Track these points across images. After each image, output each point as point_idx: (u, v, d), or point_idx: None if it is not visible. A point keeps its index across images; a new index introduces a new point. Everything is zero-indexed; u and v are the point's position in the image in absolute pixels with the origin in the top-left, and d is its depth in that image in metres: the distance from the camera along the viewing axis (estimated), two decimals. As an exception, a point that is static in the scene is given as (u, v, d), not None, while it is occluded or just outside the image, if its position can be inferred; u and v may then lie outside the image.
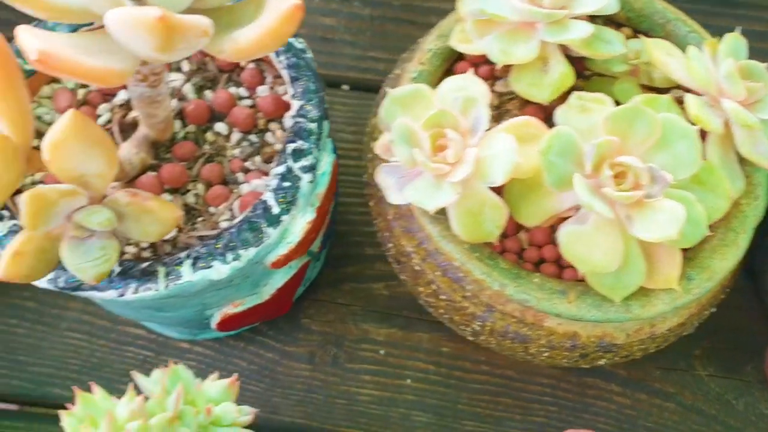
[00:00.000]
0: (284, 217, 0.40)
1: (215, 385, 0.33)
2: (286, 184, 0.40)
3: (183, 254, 0.39)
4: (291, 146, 0.41)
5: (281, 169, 0.40)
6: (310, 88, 0.42)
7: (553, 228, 0.41)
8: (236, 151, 0.43)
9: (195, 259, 0.39)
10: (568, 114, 0.37)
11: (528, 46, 0.38)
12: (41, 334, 0.54)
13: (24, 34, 0.28)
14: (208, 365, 0.54)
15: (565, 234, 0.37)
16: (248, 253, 0.39)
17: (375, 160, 0.43)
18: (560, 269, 0.41)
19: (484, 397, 0.53)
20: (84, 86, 0.44)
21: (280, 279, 0.45)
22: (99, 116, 0.44)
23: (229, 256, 0.39)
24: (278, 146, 0.43)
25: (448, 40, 0.42)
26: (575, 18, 0.38)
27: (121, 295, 0.39)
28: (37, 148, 0.34)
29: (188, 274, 0.39)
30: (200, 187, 0.43)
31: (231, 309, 0.45)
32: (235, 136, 0.44)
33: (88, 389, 0.52)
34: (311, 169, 0.41)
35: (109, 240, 0.36)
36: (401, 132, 0.35)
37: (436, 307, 0.43)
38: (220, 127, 0.44)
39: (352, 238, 0.57)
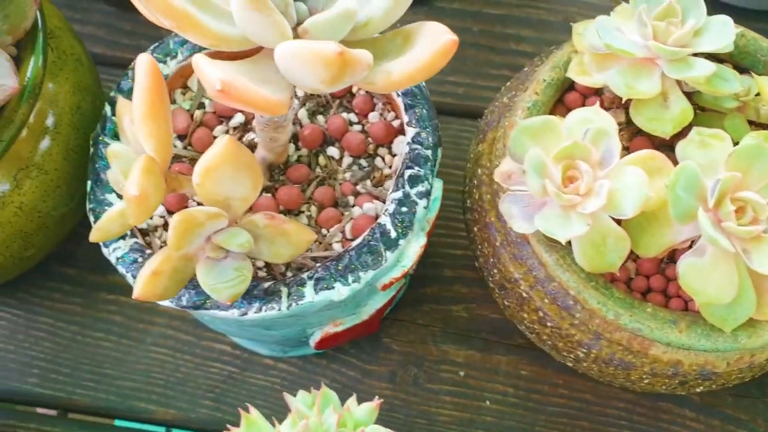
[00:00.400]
0: (401, 242, 0.41)
1: (361, 408, 0.33)
2: (404, 209, 0.41)
3: (305, 275, 0.40)
4: (408, 172, 0.42)
5: (399, 194, 0.41)
6: (425, 116, 0.43)
7: (660, 258, 0.42)
8: (347, 175, 0.44)
9: (317, 280, 0.40)
10: (688, 148, 0.38)
11: (651, 82, 0.39)
12: (127, 349, 0.55)
13: (205, 63, 0.29)
14: (291, 382, 0.54)
15: (683, 266, 0.38)
16: (367, 276, 0.40)
17: (481, 187, 0.44)
18: (667, 299, 0.42)
19: (561, 420, 0.54)
20: (200, 107, 0.45)
21: (379, 300, 0.46)
22: (215, 138, 0.44)
23: (350, 277, 0.40)
24: (387, 171, 0.44)
25: (561, 71, 0.43)
26: (693, 55, 0.39)
27: (244, 314, 0.39)
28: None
29: (310, 295, 0.39)
30: (313, 209, 0.43)
31: (332, 328, 0.46)
32: (346, 160, 0.44)
33: (170, 403, 0.53)
34: (426, 194, 0.42)
35: (243, 261, 0.37)
36: (534, 163, 0.36)
37: (539, 333, 0.44)
38: (333, 151, 0.45)
39: (431, 259, 0.57)
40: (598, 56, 0.41)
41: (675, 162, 0.39)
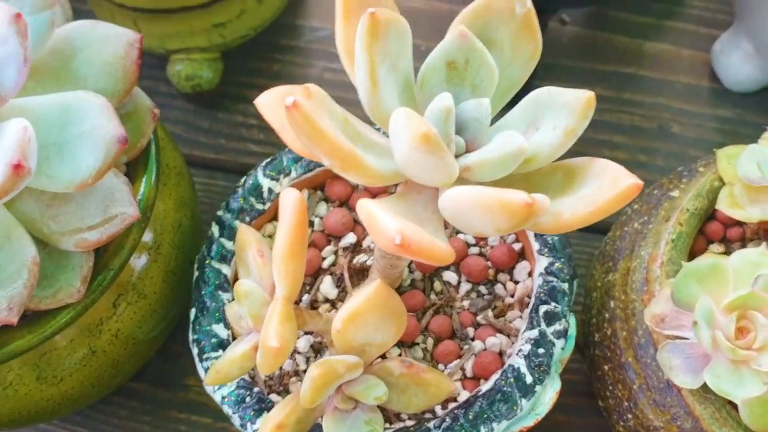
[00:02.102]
0: (537, 387, 0.37)
1: None
2: (540, 350, 0.37)
3: (431, 424, 0.36)
4: (543, 308, 0.38)
5: (534, 333, 0.38)
6: (558, 244, 0.40)
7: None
8: (465, 303, 0.41)
9: (445, 430, 0.36)
10: None
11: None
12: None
13: (381, 213, 0.26)
14: None
15: None
16: (500, 426, 0.36)
17: (615, 322, 0.41)
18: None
19: None
20: (309, 226, 0.42)
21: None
22: (324, 258, 0.41)
23: (482, 428, 0.36)
24: (509, 299, 0.41)
25: (704, 200, 0.40)
26: None
27: None
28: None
29: None
30: (429, 342, 0.40)
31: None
32: (464, 286, 0.41)
33: None
34: (563, 334, 0.38)
35: (374, 413, 0.33)
36: (705, 314, 0.33)
37: (678, 487, 0.40)
38: (449, 276, 0.41)
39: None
40: (752, 189, 0.38)
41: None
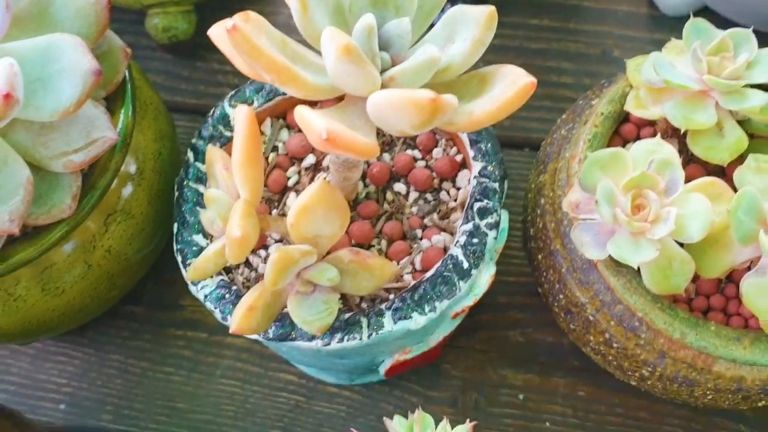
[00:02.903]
0: (473, 271, 0.43)
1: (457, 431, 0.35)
2: (474, 240, 0.43)
3: (383, 306, 0.42)
4: (477, 205, 0.44)
5: (469, 226, 0.43)
6: (490, 150, 0.45)
7: (720, 279, 0.44)
8: (414, 209, 0.46)
9: (395, 310, 0.42)
10: (746, 174, 0.40)
11: (707, 113, 0.41)
12: (197, 383, 0.57)
13: (309, 114, 0.31)
14: (356, 409, 0.56)
15: (746, 286, 0.40)
16: (442, 305, 0.42)
17: (545, 216, 0.46)
18: (727, 317, 0.44)
19: (620, 439, 0.55)
20: (274, 150, 0.48)
21: (447, 328, 0.48)
22: (288, 178, 0.47)
23: (426, 307, 0.42)
24: (452, 204, 0.46)
25: (617, 104, 0.45)
26: (746, 86, 0.41)
27: (327, 345, 0.41)
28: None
29: (389, 325, 0.41)
30: (383, 243, 0.46)
31: (401, 356, 0.48)
32: (413, 195, 0.47)
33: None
34: (495, 225, 0.44)
35: (330, 294, 0.39)
36: (605, 193, 0.38)
37: (605, 354, 0.46)
38: (399, 187, 0.47)
39: (486, 286, 0.59)
40: (654, 90, 0.43)
41: (731, 187, 0.41)
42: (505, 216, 0.45)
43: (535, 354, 0.57)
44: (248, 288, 0.45)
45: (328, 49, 0.33)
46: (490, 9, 0.36)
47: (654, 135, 0.46)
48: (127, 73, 0.42)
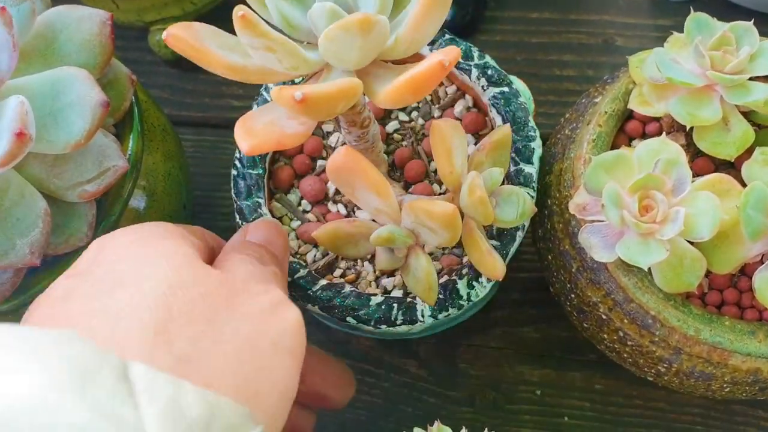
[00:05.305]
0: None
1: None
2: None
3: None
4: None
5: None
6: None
7: (732, 273, 0.44)
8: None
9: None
10: (753, 168, 0.40)
11: (712, 109, 0.41)
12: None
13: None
14: (376, 414, 0.57)
15: (759, 280, 0.40)
16: None
17: (552, 216, 0.47)
18: (741, 310, 0.44)
19: (639, 430, 0.56)
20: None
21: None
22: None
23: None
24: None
25: (620, 102, 0.45)
26: (750, 79, 0.41)
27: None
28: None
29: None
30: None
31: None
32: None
33: None
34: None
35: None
36: (611, 196, 0.38)
37: (620, 352, 0.46)
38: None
39: (500, 283, 0.60)
40: (657, 87, 0.43)
41: (740, 181, 0.41)
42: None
43: (551, 349, 0.58)
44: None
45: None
46: None
47: (660, 131, 0.47)
48: (133, 98, 0.42)
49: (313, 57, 0.36)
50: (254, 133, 0.36)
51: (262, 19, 0.35)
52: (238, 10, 0.34)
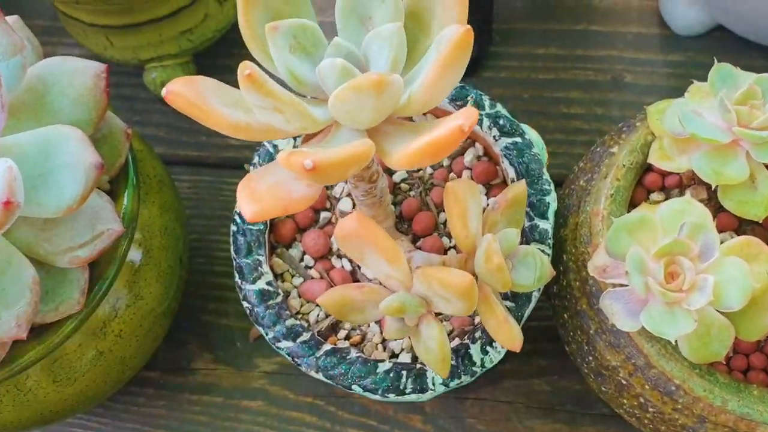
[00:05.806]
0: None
1: None
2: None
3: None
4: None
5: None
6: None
7: (758, 337, 0.42)
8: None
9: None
10: (782, 230, 0.38)
11: (738, 166, 0.39)
12: (216, 448, 0.55)
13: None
14: (381, 469, 0.54)
15: (788, 347, 0.38)
16: None
17: (568, 273, 0.45)
18: (768, 375, 0.42)
19: (655, 488, 0.54)
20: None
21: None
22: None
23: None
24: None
25: (639, 154, 0.43)
26: (775, 135, 0.39)
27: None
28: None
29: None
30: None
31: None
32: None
33: None
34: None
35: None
36: (636, 262, 0.36)
37: (640, 418, 0.44)
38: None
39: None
40: (679, 140, 0.41)
41: (766, 240, 0.39)
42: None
43: (562, 402, 0.55)
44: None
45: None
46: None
47: (680, 183, 0.45)
48: (129, 156, 0.40)
49: (322, 116, 0.34)
50: (259, 197, 0.34)
51: (266, 71, 0.33)
52: (244, 69, 0.32)
